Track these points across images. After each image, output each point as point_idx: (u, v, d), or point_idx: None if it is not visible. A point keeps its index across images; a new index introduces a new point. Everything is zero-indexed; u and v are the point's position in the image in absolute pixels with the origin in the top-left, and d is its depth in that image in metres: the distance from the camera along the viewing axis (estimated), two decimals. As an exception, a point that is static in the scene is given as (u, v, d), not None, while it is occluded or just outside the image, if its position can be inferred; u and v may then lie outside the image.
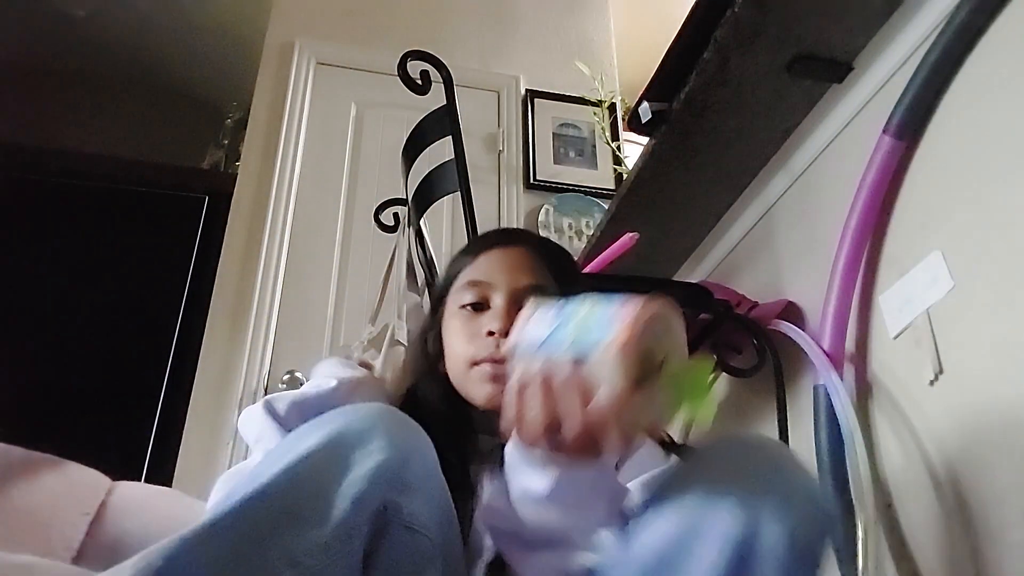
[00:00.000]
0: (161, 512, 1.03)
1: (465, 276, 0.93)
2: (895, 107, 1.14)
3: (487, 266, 0.92)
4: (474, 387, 0.86)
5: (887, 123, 1.15)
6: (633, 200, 1.52)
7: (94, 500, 0.96)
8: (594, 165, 2.70)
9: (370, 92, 2.52)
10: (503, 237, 1.01)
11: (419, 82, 1.56)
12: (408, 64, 1.55)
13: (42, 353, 2.27)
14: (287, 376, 2.06)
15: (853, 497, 1.09)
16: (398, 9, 2.78)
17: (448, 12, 2.82)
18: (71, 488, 0.96)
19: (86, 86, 3.38)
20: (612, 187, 2.58)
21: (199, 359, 2.09)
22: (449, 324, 0.92)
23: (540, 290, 0.88)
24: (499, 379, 0.81)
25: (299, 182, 2.38)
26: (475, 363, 0.86)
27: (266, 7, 2.74)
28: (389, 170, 1.89)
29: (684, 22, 1.27)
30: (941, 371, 1.04)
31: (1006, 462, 0.94)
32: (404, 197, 1.67)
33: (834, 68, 1.27)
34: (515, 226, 2.39)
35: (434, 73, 1.58)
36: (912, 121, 1.13)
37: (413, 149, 1.62)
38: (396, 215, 1.82)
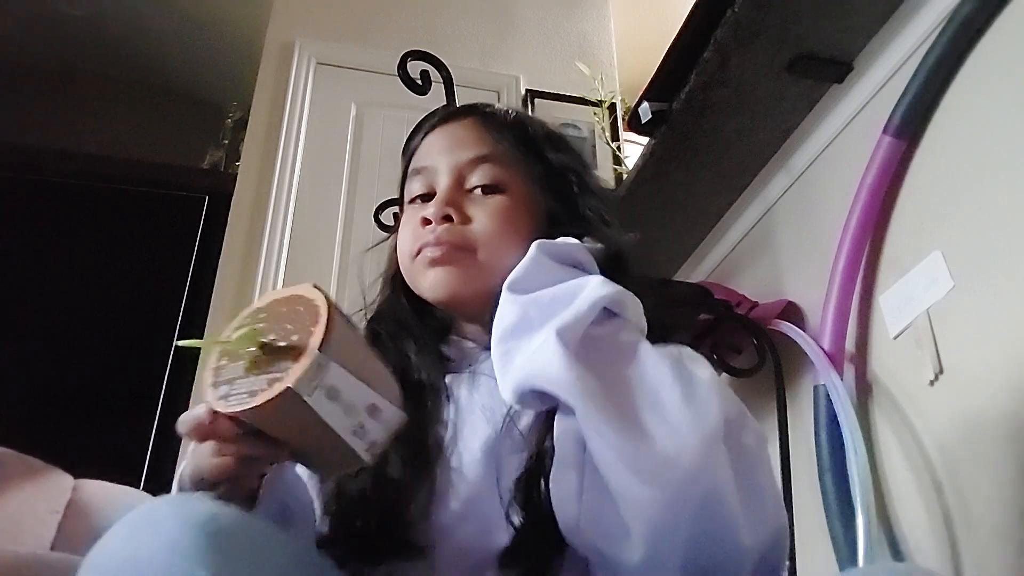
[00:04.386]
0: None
1: (411, 165, 0.85)
2: (895, 107, 1.14)
3: (429, 148, 0.83)
4: (420, 279, 0.78)
5: (887, 123, 1.15)
6: (633, 200, 1.52)
7: (62, 498, 0.96)
8: (594, 165, 2.66)
9: (370, 92, 2.52)
10: (447, 113, 0.88)
11: (419, 82, 1.55)
12: (408, 64, 1.54)
13: (42, 353, 2.27)
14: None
15: (853, 497, 1.09)
16: (398, 9, 2.77)
17: (448, 12, 2.81)
18: (38, 486, 0.95)
19: (86, 86, 3.37)
20: (612, 187, 2.57)
21: (199, 359, 2.09)
22: (403, 222, 0.84)
23: (488, 160, 0.79)
24: (439, 261, 0.75)
25: (299, 182, 2.37)
26: (415, 254, 0.78)
27: (266, 7, 2.74)
28: (389, 170, 1.87)
29: (684, 22, 1.28)
30: (941, 371, 1.04)
31: (1006, 462, 0.94)
32: (404, 197, 1.66)
33: (834, 68, 1.27)
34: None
35: (434, 73, 1.57)
36: (912, 121, 1.13)
37: (413, 149, 1.62)
38: (396, 215, 1.82)
